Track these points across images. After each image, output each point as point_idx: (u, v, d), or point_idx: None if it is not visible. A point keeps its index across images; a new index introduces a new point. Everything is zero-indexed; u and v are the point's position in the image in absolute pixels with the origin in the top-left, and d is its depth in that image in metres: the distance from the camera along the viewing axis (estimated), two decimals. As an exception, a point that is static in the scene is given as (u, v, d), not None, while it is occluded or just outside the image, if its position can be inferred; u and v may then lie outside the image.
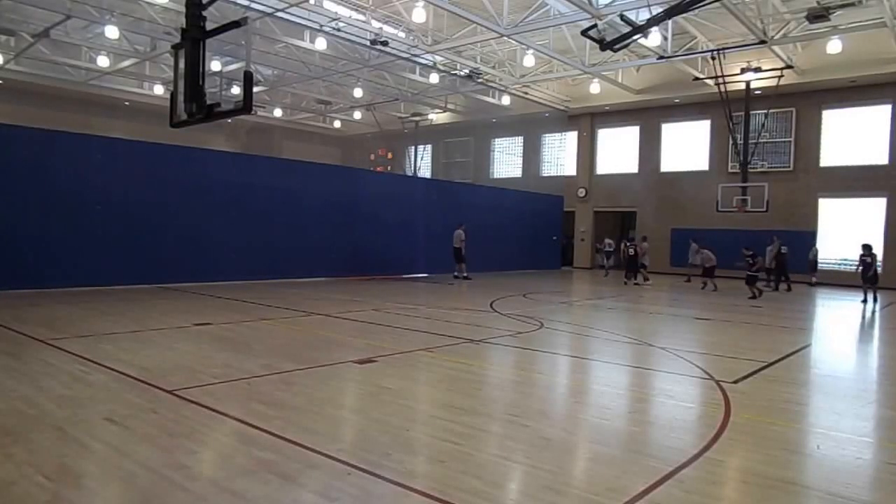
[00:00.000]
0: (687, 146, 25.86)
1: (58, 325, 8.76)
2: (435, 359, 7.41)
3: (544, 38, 19.73)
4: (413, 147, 32.37)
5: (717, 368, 7.20)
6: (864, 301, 16.06)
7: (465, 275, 19.46)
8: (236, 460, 3.97)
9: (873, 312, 14.61)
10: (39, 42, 19.31)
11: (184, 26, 8.69)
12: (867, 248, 16.20)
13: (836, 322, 13.66)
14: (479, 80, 22.83)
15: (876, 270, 16.28)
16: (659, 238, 25.43)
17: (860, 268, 16.22)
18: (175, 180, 14.83)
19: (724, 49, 19.16)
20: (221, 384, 5.83)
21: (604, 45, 13.87)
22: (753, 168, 22.05)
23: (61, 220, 12.93)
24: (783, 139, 23.45)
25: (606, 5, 15.44)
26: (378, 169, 31.79)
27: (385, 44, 18.19)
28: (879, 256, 21.56)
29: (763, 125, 21.89)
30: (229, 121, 25.23)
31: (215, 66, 17.67)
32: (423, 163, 33.50)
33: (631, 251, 20.23)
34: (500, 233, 23.72)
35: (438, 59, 21.51)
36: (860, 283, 16.29)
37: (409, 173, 31.36)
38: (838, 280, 21.81)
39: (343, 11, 17.52)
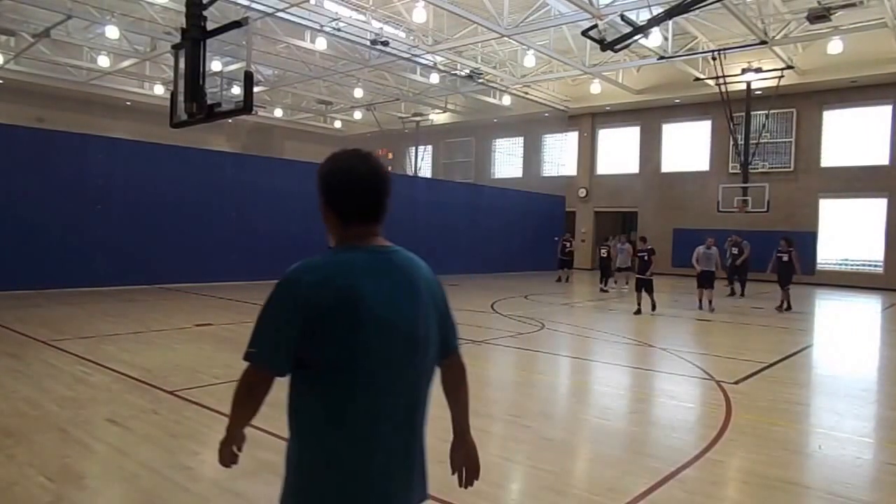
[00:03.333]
0: (687, 146, 25.83)
1: (59, 326, 8.76)
2: (436, 359, 7.40)
3: (545, 39, 19.71)
4: (414, 147, 32.34)
5: (718, 369, 7.20)
6: (780, 307, 13.51)
7: None
8: (238, 461, 3.97)
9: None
10: (40, 42, 19.28)
11: (184, 26, 8.69)
12: (787, 241, 13.85)
13: (836, 323, 13.66)
14: (480, 81, 22.81)
15: (791, 270, 13.57)
16: (660, 238, 25.40)
17: (775, 263, 13.83)
18: (175, 180, 14.82)
19: (724, 49, 19.14)
20: (223, 384, 5.83)
21: (604, 45, 13.87)
22: (754, 168, 22.03)
23: (62, 220, 12.93)
24: (784, 139, 23.43)
25: (607, 5, 15.42)
26: (378, 169, 31.74)
27: (385, 44, 18.18)
28: (880, 257, 21.60)
29: (764, 125, 21.87)
30: (230, 121, 25.18)
31: (215, 66, 17.48)
32: (423, 163, 33.47)
33: (603, 253, 18.02)
34: (502, 233, 23.72)
35: (439, 59, 21.49)
36: (779, 282, 13.75)
37: (410, 174, 31.35)
38: (839, 281, 21.82)
39: (343, 11, 17.50)
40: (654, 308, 12.36)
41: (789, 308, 13.53)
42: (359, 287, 1.43)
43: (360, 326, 1.41)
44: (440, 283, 1.68)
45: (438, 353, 1.65)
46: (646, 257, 12.53)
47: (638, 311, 12.22)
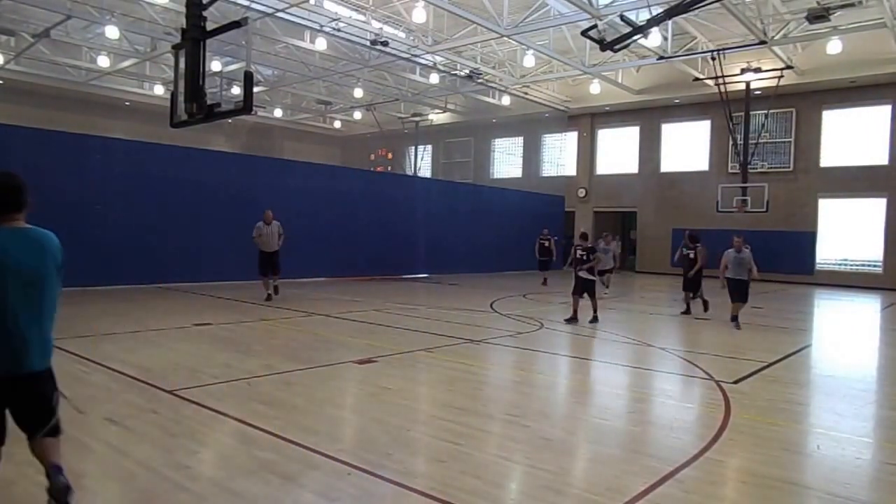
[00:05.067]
0: (687, 146, 25.84)
1: (58, 325, 8.71)
2: (435, 359, 7.41)
3: (544, 39, 19.71)
4: (413, 147, 32.35)
5: (717, 369, 7.21)
6: (685, 312, 12.17)
7: (269, 291, 12.89)
8: (237, 460, 3.97)
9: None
10: (40, 42, 19.28)
11: (184, 26, 8.68)
12: (692, 238, 12.25)
13: (835, 323, 13.66)
14: (480, 81, 22.81)
15: (699, 272, 11.97)
16: (659, 238, 25.42)
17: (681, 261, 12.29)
18: (175, 180, 14.83)
19: (724, 49, 19.15)
20: (222, 384, 5.83)
21: (604, 45, 13.85)
22: (753, 168, 22.04)
23: (60, 220, 12.85)
24: (783, 139, 23.44)
25: (606, 6, 15.42)
26: (378, 169, 31.77)
27: (385, 44, 18.17)
28: (879, 256, 21.59)
29: (763, 125, 21.89)
30: (229, 121, 25.15)
31: (215, 66, 17.61)
32: (423, 163, 33.47)
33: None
34: (501, 233, 23.72)
35: (438, 59, 21.49)
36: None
37: (410, 173, 31.35)
38: (838, 281, 21.82)
39: (343, 11, 17.50)
40: (594, 318, 10.69)
41: (688, 311, 11.88)
42: (3, 246, 2.82)
43: (4, 268, 2.81)
44: (60, 248, 3.20)
45: (57, 285, 3.21)
46: (585, 256, 10.78)
47: (572, 319, 10.67)
